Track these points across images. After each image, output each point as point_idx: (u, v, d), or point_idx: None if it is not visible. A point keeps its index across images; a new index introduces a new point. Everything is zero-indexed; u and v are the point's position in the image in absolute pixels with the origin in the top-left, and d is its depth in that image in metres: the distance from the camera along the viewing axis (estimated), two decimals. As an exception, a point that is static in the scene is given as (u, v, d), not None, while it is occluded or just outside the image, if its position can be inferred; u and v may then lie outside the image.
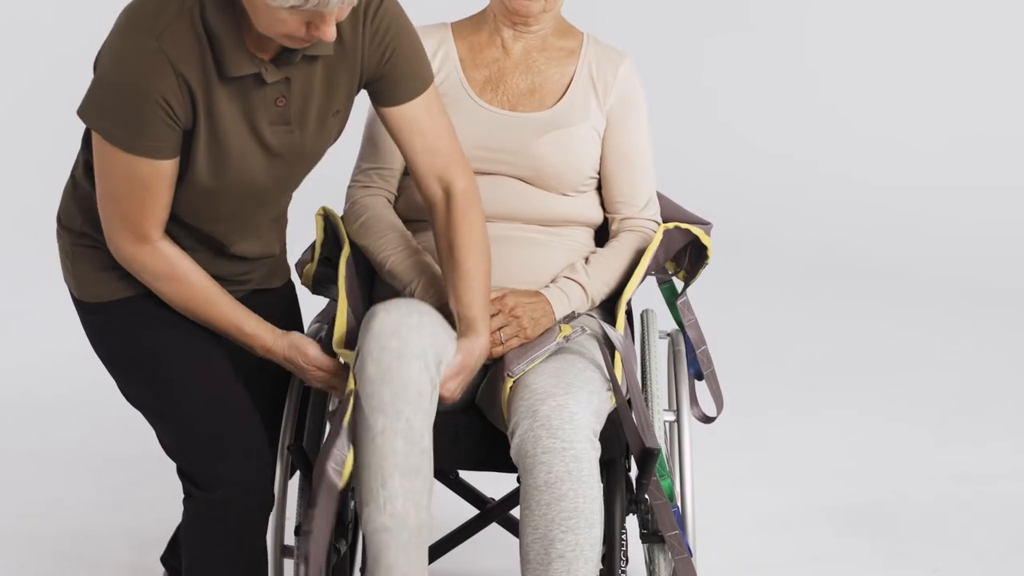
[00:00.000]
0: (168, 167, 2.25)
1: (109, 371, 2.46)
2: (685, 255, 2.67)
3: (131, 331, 2.39)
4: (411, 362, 2.25)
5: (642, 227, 2.65)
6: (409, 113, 2.42)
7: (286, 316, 2.56)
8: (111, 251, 2.34)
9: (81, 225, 2.40)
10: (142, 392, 2.41)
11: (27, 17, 6.20)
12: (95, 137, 2.25)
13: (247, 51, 2.23)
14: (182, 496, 2.70)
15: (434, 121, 2.43)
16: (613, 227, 2.67)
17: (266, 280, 2.54)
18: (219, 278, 2.39)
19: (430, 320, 2.31)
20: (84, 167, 2.38)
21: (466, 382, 2.38)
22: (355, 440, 2.27)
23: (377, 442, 2.24)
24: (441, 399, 2.34)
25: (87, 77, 2.29)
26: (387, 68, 2.37)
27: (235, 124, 2.26)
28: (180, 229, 2.36)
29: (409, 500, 2.25)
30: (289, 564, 2.51)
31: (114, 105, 2.20)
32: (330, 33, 2.16)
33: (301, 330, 2.60)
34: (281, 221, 2.55)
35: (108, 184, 2.27)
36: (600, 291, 2.57)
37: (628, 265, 2.60)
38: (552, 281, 2.55)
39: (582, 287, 2.54)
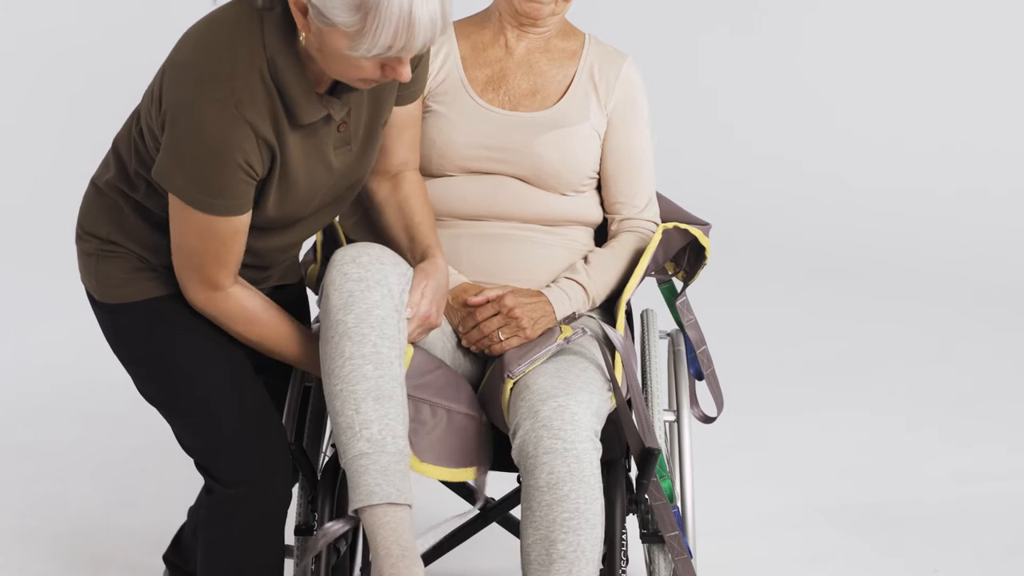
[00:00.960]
0: (244, 221, 2.26)
1: (128, 369, 2.45)
2: (684, 255, 2.67)
3: (153, 330, 2.39)
4: (372, 287, 2.27)
5: (641, 227, 2.65)
6: (411, 109, 2.45)
7: (298, 312, 2.56)
8: (184, 296, 2.34)
9: (108, 233, 2.39)
10: (162, 391, 2.40)
11: (27, 20, 6.20)
12: (173, 198, 2.24)
13: (315, 95, 2.23)
14: (182, 496, 2.71)
15: (420, 114, 2.50)
16: (612, 227, 2.67)
17: (283, 278, 2.55)
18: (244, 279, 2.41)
19: (392, 255, 2.33)
20: (107, 185, 2.38)
21: (440, 304, 2.38)
22: (324, 372, 2.27)
23: (346, 368, 2.24)
24: (427, 326, 2.35)
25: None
26: (413, 67, 2.39)
27: (305, 161, 2.28)
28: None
29: (385, 426, 2.23)
30: (289, 564, 2.51)
31: (198, 172, 2.19)
32: (406, 73, 2.16)
33: (308, 325, 2.61)
34: None
35: (183, 241, 2.27)
36: (600, 291, 2.57)
37: (627, 265, 2.61)
38: (553, 281, 2.56)
39: (583, 287, 2.54)
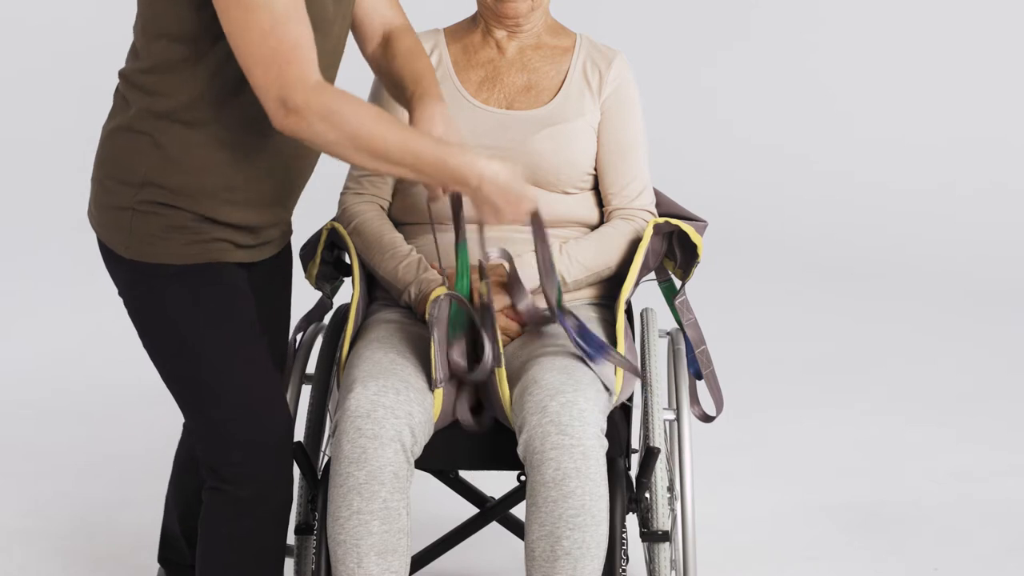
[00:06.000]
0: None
1: (148, 350, 2.33)
2: (676, 252, 2.65)
3: (175, 305, 2.28)
4: (386, 444, 2.28)
5: (633, 216, 2.64)
6: None
7: (285, 282, 2.54)
8: (282, 126, 2.17)
9: (145, 174, 2.24)
10: (178, 378, 2.32)
11: (25, 12, 6.21)
12: None
13: None
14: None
15: None
16: (605, 217, 2.67)
17: (282, 239, 2.48)
18: (259, 228, 2.34)
19: (406, 397, 2.31)
20: (141, 119, 2.25)
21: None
22: (329, 516, 2.29)
23: (352, 522, 2.27)
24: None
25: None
26: None
27: None
28: (268, 152, 2.29)
29: None
30: (289, 564, 2.51)
31: None
32: None
33: (289, 297, 2.58)
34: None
35: (247, 40, 2.13)
36: (573, 266, 2.56)
37: (609, 247, 2.59)
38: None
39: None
